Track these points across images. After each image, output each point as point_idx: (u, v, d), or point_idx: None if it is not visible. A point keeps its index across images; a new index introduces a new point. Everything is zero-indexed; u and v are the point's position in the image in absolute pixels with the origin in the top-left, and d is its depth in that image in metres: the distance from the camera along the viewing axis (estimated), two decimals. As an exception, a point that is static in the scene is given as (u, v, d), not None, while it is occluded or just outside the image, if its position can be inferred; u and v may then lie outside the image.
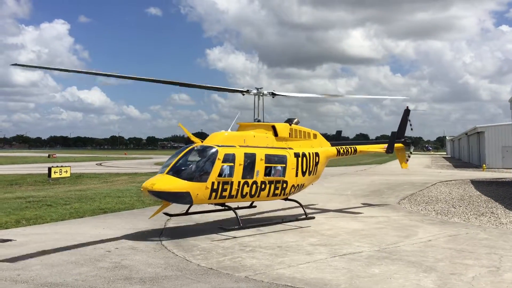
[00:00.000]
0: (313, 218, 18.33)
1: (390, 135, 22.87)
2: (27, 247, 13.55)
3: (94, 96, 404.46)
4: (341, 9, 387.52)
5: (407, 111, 24.86)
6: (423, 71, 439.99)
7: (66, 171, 40.60)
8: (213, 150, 15.02)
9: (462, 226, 17.67)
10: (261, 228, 16.52)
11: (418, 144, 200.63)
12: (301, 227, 16.89)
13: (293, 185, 17.42)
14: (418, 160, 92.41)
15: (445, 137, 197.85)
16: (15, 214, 19.94)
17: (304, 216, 17.86)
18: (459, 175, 47.43)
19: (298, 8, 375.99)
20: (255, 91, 17.27)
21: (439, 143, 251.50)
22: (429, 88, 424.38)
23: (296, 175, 17.45)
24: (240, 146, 15.82)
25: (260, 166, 15.96)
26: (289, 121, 18.39)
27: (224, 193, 15.19)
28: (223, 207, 16.19)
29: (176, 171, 14.53)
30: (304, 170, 17.83)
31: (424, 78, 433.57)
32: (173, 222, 17.96)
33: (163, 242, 14.36)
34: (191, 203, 15.19)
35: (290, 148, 17.51)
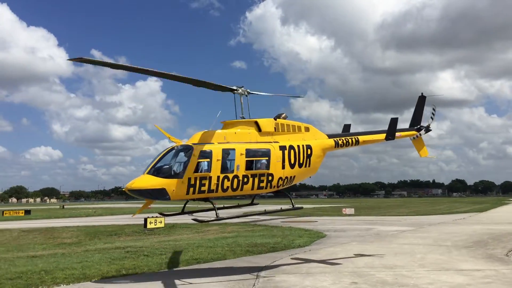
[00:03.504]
0: (301, 208, 18.92)
1: (389, 121, 22.10)
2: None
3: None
4: (428, 52, 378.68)
5: (422, 98, 23.65)
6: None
7: (161, 222, 42.11)
8: (189, 148, 15.91)
9: None
10: (237, 219, 17.18)
11: None
12: (400, 282, 15.95)
13: (280, 178, 17.63)
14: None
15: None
16: (116, 263, 20.84)
17: (291, 206, 18.58)
18: None
19: (382, 53, 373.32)
20: (240, 90, 17.70)
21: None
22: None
23: (283, 168, 17.70)
24: (219, 143, 16.42)
25: (240, 160, 16.49)
26: (278, 117, 18.72)
27: (202, 188, 15.81)
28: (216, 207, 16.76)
29: (154, 171, 15.52)
30: (292, 162, 18.06)
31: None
32: (265, 273, 17.77)
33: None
34: (168, 199, 15.60)
35: (275, 142, 17.81)
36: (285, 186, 18.29)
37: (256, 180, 17.01)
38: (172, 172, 15.53)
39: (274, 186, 17.70)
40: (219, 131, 17.30)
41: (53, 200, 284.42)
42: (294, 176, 18.37)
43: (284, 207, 20.25)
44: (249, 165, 16.88)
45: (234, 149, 16.59)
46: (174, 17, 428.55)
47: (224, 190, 16.34)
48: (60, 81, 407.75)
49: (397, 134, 23.14)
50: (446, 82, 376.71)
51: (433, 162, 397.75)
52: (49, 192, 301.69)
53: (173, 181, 15.39)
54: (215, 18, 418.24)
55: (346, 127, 23.04)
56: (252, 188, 17.05)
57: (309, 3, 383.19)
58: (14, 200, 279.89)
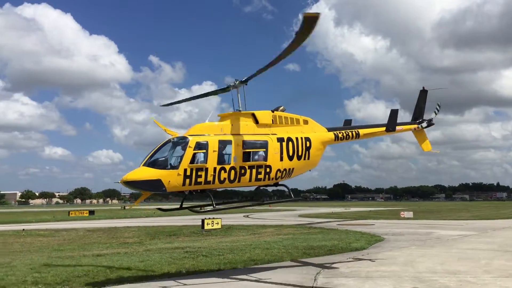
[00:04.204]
0: (300, 199, 18.04)
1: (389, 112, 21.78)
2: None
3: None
4: (489, 49, 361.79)
5: (424, 92, 23.16)
6: None
7: (218, 223, 42.79)
8: (184, 139, 15.87)
9: None
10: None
11: None
12: None
13: (278, 170, 17.60)
14: None
15: None
16: (176, 263, 21.43)
17: (288, 196, 18.71)
18: None
19: (440, 52, 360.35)
20: (233, 84, 17.42)
21: None
22: None
23: (281, 159, 17.67)
24: (215, 134, 16.38)
25: (237, 151, 16.44)
26: (276, 109, 18.64)
27: (199, 179, 15.71)
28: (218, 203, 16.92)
29: (150, 162, 15.40)
30: (290, 154, 18.02)
31: None
32: (323, 276, 17.69)
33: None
34: (164, 190, 15.48)
35: (273, 134, 17.76)
36: (284, 179, 18.24)
37: (254, 171, 16.98)
38: (168, 164, 15.49)
39: (273, 178, 17.65)
40: (216, 123, 17.35)
41: (115, 201, 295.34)
42: (293, 169, 18.34)
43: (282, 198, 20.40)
44: (246, 157, 16.82)
45: (230, 141, 16.57)
46: (228, 21, 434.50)
47: (221, 182, 16.25)
48: (120, 86, 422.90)
49: (399, 127, 23.09)
50: (510, 80, 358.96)
51: (497, 164, 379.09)
52: (111, 194, 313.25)
53: (169, 172, 15.32)
54: (268, 21, 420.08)
55: (347, 122, 22.85)
56: (250, 180, 17.00)
57: (363, 4, 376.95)
58: (79, 201, 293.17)
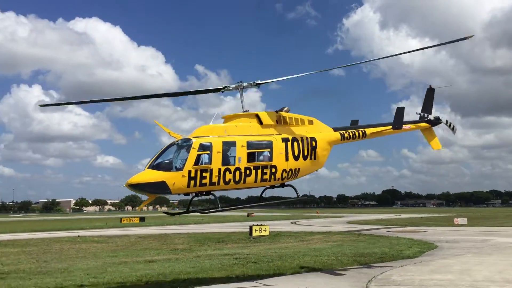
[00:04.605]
0: (306, 198, 17.67)
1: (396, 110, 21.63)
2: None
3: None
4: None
5: (431, 90, 23.23)
6: None
7: (265, 230, 42.80)
8: (188, 141, 15.86)
9: None
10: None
11: None
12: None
13: (284, 170, 17.47)
14: None
15: None
16: (226, 269, 21.64)
17: (296, 197, 18.60)
18: None
19: (492, 52, 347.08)
20: (234, 85, 17.45)
21: None
22: None
23: (287, 160, 17.55)
24: (219, 136, 16.32)
25: (241, 152, 16.33)
26: (280, 110, 18.56)
27: (204, 181, 15.57)
28: (224, 207, 16.87)
29: (154, 165, 15.39)
30: (296, 154, 17.93)
31: None
32: (375, 284, 17.35)
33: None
34: (169, 192, 15.41)
35: (278, 134, 17.68)
36: (290, 179, 18.08)
37: (259, 172, 16.81)
38: (172, 166, 15.47)
39: (278, 179, 17.50)
40: (220, 124, 17.37)
41: (164, 208, 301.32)
42: (299, 169, 18.23)
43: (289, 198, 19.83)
44: (251, 157, 16.69)
45: (235, 142, 16.49)
46: (272, 28, 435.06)
47: (226, 183, 16.10)
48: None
49: (407, 126, 23.06)
50: None
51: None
52: (160, 201, 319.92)
53: (173, 174, 15.26)
54: (312, 27, 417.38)
55: (354, 122, 22.60)
56: (256, 181, 16.81)
57: (409, 5, 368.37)
58: (130, 208, 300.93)
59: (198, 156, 15.66)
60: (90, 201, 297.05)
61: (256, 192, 18.61)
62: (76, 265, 25.23)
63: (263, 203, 19.12)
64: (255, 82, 17.73)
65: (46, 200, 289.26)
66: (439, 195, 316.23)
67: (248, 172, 16.57)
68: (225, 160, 16.12)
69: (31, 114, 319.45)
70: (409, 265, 22.49)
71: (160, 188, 15.24)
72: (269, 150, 17.21)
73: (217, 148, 15.96)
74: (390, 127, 22.33)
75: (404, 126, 22.86)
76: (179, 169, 15.39)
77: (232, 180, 16.26)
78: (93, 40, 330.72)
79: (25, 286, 19.05)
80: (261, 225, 43.31)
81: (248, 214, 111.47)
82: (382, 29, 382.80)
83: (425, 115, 24.10)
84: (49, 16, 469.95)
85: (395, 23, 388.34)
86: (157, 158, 15.69)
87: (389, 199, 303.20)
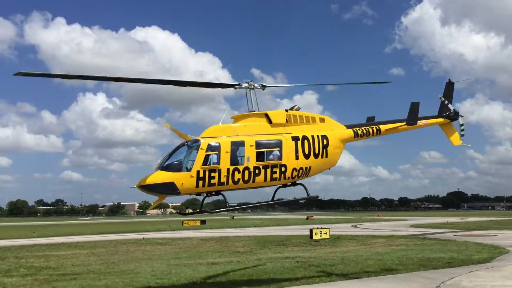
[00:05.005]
0: (317, 197, 18.39)
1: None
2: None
3: (343, 159, 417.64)
4: None
5: (450, 84, 22.81)
6: None
7: (326, 233, 42.34)
8: (197, 142, 16.00)
9: None
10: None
11: None
12: None
13: (294, 168, 17.33)
14: None
15: None
16: (288, 273, 21.61)
17: (306, 196, 18.09)
18: None
19: None
20: (246, 84, 17.49)
21: None
22: None
23: (297, 158, 17.42)
24: (228, 136, 16.40)
25: (250, 152, 16.32)
26: (290, 109, 18.45)
27: (212, 181, 15.68)
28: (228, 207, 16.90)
29: (164, 166, 15.66)
30: (306, 153, 17.78)
31: None
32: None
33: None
34: (178, 193, 15.56)
35: (287, 133, 17.54)
36: (301, 178, 17.88)
37: (269, 171, 16.73)
38: (181, 166, 15.65)
39: (289, 178, 17.32)
40: (229, 125, 17.35)
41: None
42: (310, 167, 18.02)
43: (298, 196, 19.07)
44: (260, 157, 16.63)
45: (243, 141, 16.47)
46: (327, 29, 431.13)
47: (235, 183, 16.11)
48: (225, 100, 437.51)
49: (424, 121, 22.52)
50: None
51: None
52: (220, 204, 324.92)
53: (182, 174, 15.45)
54: (369, 26, 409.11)
55: (370, 119, 21.94)
56: (265, 180, 16.73)
57: (472, 0, 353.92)
58: (190, 210, 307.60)
59: (207, 157, 15.82)
60: (228, 205, 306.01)
61: (267, 193, 18.76)
62: (142, 267, 26.06)
63: (271, 202, 18.79)
64: (262, 84, 18.04)
65: (111, 204, 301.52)
66: (509, 197, 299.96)
67: (257, 171, 16.59)
68: (234, 160, 16.23)
69: (96, 121, 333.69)
70: (479, 270, 21.49)
71: (169, 188, 15.53)
72: (279, 149, 17.17)
73: (226, 148, 16.09)
74: (405, 123, 21.79)
75: (421, 122, 22.42)
76: (188, 170, 15.66)
77: (241, 180, 16.32)
78: (152, 48, 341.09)
79: (96, 286, 19.90)
80: (321, 228, 42.93)
81: (307, 217, 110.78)
82: (443, 26, 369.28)
83: (448, 103, 23.41)
84: (111, 27, 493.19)
85: (457, 19, 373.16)
86: (166, 159, 16.03)
87: (454, 201, 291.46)
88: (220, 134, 16.66)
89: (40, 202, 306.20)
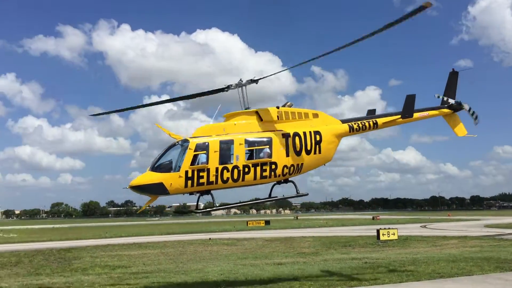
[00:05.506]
0: (306, 194, 18.28)
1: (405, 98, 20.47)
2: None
3: (409, 155, 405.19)
4: None
5: (454, 74, 22.08)
6: None
7: (394, 234, 41.22)
8: (185, 142, 16.14)
9: None
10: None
11: None
12: None
13: (285, 166, 17.28)
14: None
15: None
16: (356, 274, 21.19)
17: (295, 194, 17.93)
18: None
19: None
20: (234, 84, 17.46)
21: None
22: None
23: (287, 155, 17.32)
24: (217, 135, 16.45)
25: (240, 150, 16.40)
26: (284, 106, 18.41)
27: (201, 180, 15.83)
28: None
29: (154, 167, 15.92)
30: (298, 149, 17.68)
31: None
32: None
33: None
34: (167, 193, 15.74)
35: (278, 130, 17.48)
36: (292, 175, 17.76)
37: (258, 169, 16.71)
38: (170, 167, 15.88)
39: (279, 175, 17.25)
40: (219, 123, 17.41)
41: (287, 211, 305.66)
42: (302, 164, 17.91)
43: (287, 194, 18.54)
44: (250, 155, 16.73)
45: (232, 140, 16.54)
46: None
47: (224, 181, 16.20)
48: (286, 98, 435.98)
49: (424, 113, 21.77)
50: None
51: None
52: (283, 204, 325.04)
53: (170, 175, 15.67)
54: (433, 18, 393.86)
55: (371, 112, 21.33)
56: (255, 178, 16.70)
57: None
58: (254, 211, 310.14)
59: (195, 156, 16.08)
60: (217, 205, 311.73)
61: (263, 191, 18.50)
62: (210, 266, 26.55)
63: (261, 200, 18.77)
64: (252, 79, 17.84)
65: (178, 204, 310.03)
66: None
67: (246, 169, 16.68)
68: (223, 159, 16.37)
69: (161, 123, 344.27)
70: None
71: (158, 189, 15.82)
72: (269, 146, 17.13)
73: (214, 148, 16.29)
74: (400, 116, 21.04)
75: (422, 114, 21.90)
76: (176, 170, 15.86)
77: (230, 179, 16.49)
78: (213, 50, 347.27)
79: (168, 284, 20.51)
80: (388, 228, 41.90)
81: (373, 217, 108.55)
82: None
83: (447, 99, 22.37)
84: (173, 31, 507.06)
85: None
86: (157, 160, 16.36)
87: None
88: (210, 133, 16.88)
89: (111, 203, 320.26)
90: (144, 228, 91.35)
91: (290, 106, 18.90)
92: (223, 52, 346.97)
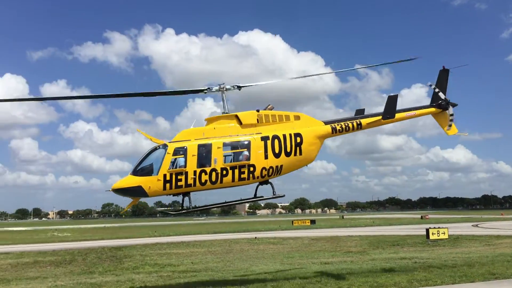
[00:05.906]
0: (283, 196, 18.35)
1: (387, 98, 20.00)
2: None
3: (459, 154, 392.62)
4: None
5: (444, 72, 21.25)
6: None
7: (444, 233, 40.11)
8: (164, 147, 16.73)
9: None
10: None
11: None
12: None
13: (264, 168, 17.50)
14: None
15: None
16: (406, 274, 20.79)
17: (272, 196, 18.08)
18: None
19: None
20: (216, 87, 17.89)
21: None
22: None
23: (266, 158, 17.55)
24: (196, 139, 16.98)
25: (217, 154, 16.81)
26: (265, 109, 18.55)
27: (179, 183, 16.42)
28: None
29: (134, 171, 16.65)
30: (277, 152, 17.86)
31: None
32: None
33: None
34: (146, 195, 16.43)
35: (257, 133, 17.76)
36: (272, 177, 17.98)
37: (236, 172, 17.07)
38: (148, 170, 16.52)
39: (258, 177, 17.51)
40: (199, 128, 17.87)
41: (332, 211, 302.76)
42: (282, 166, 18.08)
43: (267, 196, 18.54)
44: (228, 158, 17.17)
45: (210, 144, 17.00)
46: (437, 17, 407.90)
47: (202, 184, 16.69)
48: (329, 98, 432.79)
49: (411, 113, 21.29)
50: None
51: None
52: (328, 203, 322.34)
53: (148, 178, 16.35)
54: (482, 11, 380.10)
55: (359, 112, 20.94)
56: (233, 180, 17.10)
57: None
58: (299, 211, 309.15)
59: (173, 160, 16.66)
60: (262, 205, 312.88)
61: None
62: (256, 265, 26.69)
63: (238, 201, 18.74)
64: (237, 85, 18.21)
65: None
66: None
67: (224, 172, 17.05)
68: (201, 162, 16.84)
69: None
70: None
71: (137, 192, 16.58)
72: (247, 149, 17.42)
73: (192, 152, 16.82)
74: (381, 117, 20.43)
75: (409, 113, 21.56)
76: (155, 174, 16.49)
77: (208, 181, 16.96)
78: (256, 51, 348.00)
79: (216, 283, 20.80)
80: (438, 228, 40.83)
81: (421, 216, 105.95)
82: None
83: (438, 91, 21.66)
84: (216, 33, 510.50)
85: None
86: (138, 164, 16.98)
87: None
88: (190, 138, 17.46)
89: (159, 204, 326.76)
90: (191, 227, 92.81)
91: (270, 109, 19.19)
92: (265, 53, 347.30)
